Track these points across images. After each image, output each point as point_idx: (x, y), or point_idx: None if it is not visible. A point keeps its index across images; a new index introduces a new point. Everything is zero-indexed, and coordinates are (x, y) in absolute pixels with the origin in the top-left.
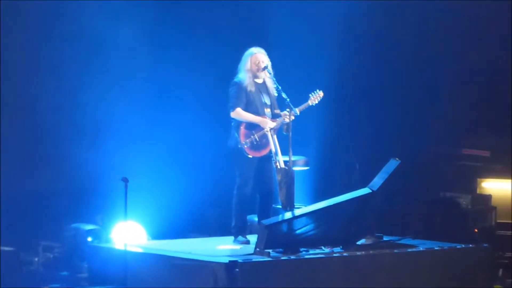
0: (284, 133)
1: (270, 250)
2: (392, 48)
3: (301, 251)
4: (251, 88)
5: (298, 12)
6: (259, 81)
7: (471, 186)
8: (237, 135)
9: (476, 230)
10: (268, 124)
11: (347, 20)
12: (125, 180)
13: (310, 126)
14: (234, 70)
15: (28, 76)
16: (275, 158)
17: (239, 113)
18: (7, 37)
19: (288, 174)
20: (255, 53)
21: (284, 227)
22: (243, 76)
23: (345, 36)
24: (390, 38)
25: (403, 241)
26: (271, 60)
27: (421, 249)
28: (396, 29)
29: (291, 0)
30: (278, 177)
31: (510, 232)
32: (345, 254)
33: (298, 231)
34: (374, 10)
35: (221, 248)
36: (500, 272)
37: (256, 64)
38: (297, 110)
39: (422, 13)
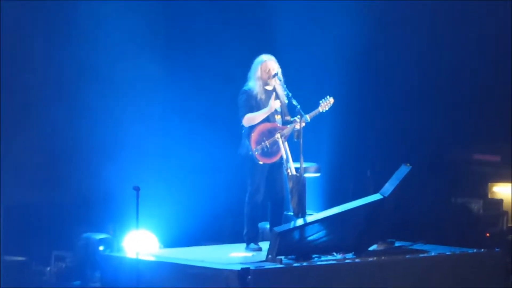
0: (295, 140)
1: (282, 257)
2: (403, 53)
3: (313, 258)
4: (261, 96)
5: (307, 17)
6: (269, 88)
7: (482, 191)
8: (248, 143)
9: (487, 235)
10: (275, 103)
11: (357, 24)
12: (137, 189)
13: (321, 132)
14: (244, 78)
15: (43, 87)
16: (286, 165)
17: (249, 118)
18: (26, 47)
19: (299, 181)
20: (266, 61)
21: (296, 234)
22: (253, 84)
23: (356, 41)
24: (401, 43)
25: (415, 247)
26: (281, 67)
27: (433, 254)
28: (407, 33)
29: (300, 5)
30: (289, 184)
31: None
32: (357, 260)
33: (310, 238)
34: (385, 13)
35: (233, 255)
36: None
37: (267, 72)
38: (308, 117)
39: (434, 16)
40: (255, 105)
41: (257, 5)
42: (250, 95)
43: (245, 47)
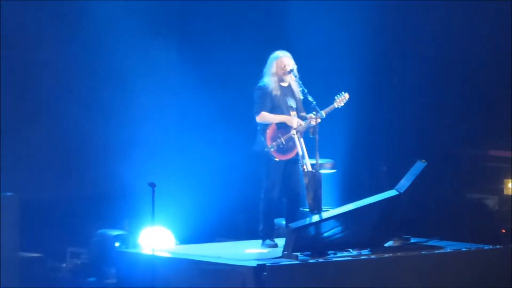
0: (311, 136)
1: (298, 253)
2: (417, 48)
3: (329, 254)
4: (276, 92)
5: (322, 12)
6: (285, 84)
7: (497, 187)
8: (263, 139)
9: (503, 231)
10: (295, 121)
11: (372, 19)
12: (152, 185)
13: (336, 128)
14: (259, 74)
15: (58, 84)
16: (302, 161)
17: (264, 117)
18: (40, 44)
19: (315, 177)
20: (281, 57)
21: (312, 230)
22: (268, 80)
23: (371, 37)
24: (416, 39)
25: (431, 243)
26: (296, 63)
27: (449, 250)
28: (422, 29)
29: (315, 2)
30: (305, 180)
31: None
32: (372, 256)
33: (325, 234)
34: (399, 9)
35: (249, 251)
36: None
37: (282, 68)
38: (323, 113)
39: (447, 11)
40: (270, 101)
41: (272, 1)
42: (265, 91)
43: (260, 43)
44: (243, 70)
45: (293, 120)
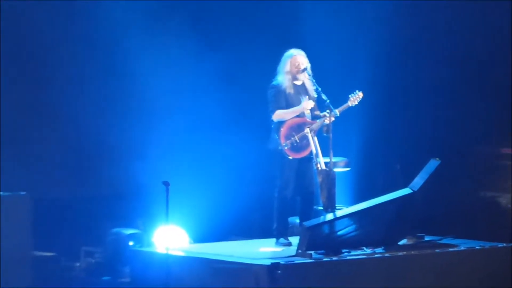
0: (325, 135)
1: (312, 252)
2: (432, 46)
3: (343, 252)
4: (290, 90)
5: (336, 11)
6: (298, 83)
7: (510, 185)
8: (277, 137)
9: None
10: (307, 103)
11: (386, 17)
12: (166, 184)
13: (350, 127)
14: (272, 72)
15: (73, 84)
16: (316, 160)
17: (279, 114)
18: (56, 45)
19: (329, 175)
20: (295, 55)
21: (326, 229)
22: (282, 78)
23: (385, 35)
24: (431, 37)
25: (444, 241)
26: (310, 61)
27: (462, 248)
28: (437, 28)
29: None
30: (319, 179)
31: None
32: (386, 254)
33: (339, 232)
34: (414, 7)
35: (263, 250)
36: None
37: (296, 66)
38: (337, 111)
39: (463, 11)
40: (284, 100)
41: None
42: (278, 90)
43: (274, 42)
44: (257, 69)
45: (305, 103)
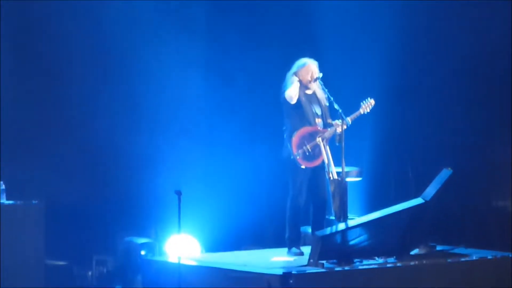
0: (337, 144)
1: (324, 261)
2: (445, 55)
3: (355, 262)
4: (302, 99)
5: (347, 17)
6: (309, 92)
7: None
8: (289, 146)
9: None
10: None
11: (398, 25)
12: (179, 193)
13: (362, 135)
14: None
15: (87, 93)
16: (328, 169)
17: (289, 94)
18: (70, 54)
19: (341, 185)
20: (308, 64)
21: (338, 238)
22: (295, 87)
23: (396, 43)
24: (444, 44)
25: (456, 251)
26: (322, 68)
27: (474, 258)
28: (450, 35)
29: (340, 6)
30: (331, 188)
31: None
32: (398, 264)
33: (351, 242)
34: (427, 10)
35: (275, 259)
36: None
37: (309, 75)
38: (349, 120)
39: (475, 13)
40: (295, 108)
41: (298, 6)
42: (291, 99)
43: (287, 50)
44: (269, 77)
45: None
